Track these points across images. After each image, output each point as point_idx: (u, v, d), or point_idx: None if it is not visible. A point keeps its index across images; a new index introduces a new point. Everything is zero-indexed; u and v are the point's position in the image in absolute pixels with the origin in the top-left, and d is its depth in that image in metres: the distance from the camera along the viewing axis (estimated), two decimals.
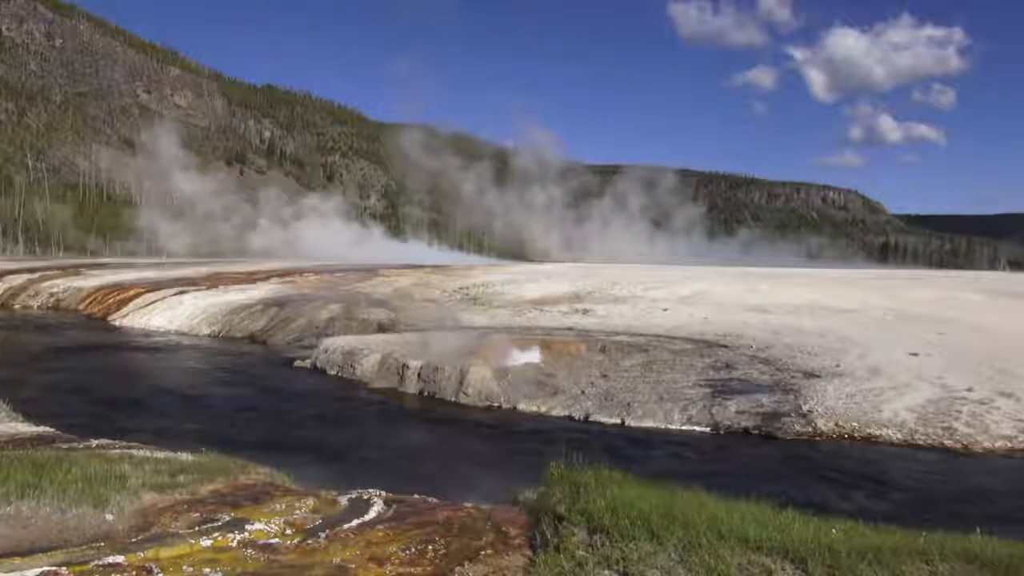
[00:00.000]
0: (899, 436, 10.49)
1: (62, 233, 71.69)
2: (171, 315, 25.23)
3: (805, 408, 11.42)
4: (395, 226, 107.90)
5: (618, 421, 11.76)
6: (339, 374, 15.61)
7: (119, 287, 31.38)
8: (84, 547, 4.49)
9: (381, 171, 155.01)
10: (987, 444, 10.14)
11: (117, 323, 25.86)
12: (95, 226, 75.57)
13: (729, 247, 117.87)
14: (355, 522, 5.20)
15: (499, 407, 12.91)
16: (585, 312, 22.11)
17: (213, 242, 74.02)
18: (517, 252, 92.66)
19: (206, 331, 23.22)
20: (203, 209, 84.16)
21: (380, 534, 4.95)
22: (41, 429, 9.22)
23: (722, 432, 11.17)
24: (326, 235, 78.86)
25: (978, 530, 5.13)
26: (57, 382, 15.03)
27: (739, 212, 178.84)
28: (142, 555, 4.30)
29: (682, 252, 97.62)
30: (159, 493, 5.56)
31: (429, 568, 4.39)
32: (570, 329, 19.11)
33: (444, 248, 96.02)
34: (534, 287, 28.30)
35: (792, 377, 13.22)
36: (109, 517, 4.95)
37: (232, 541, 4.67)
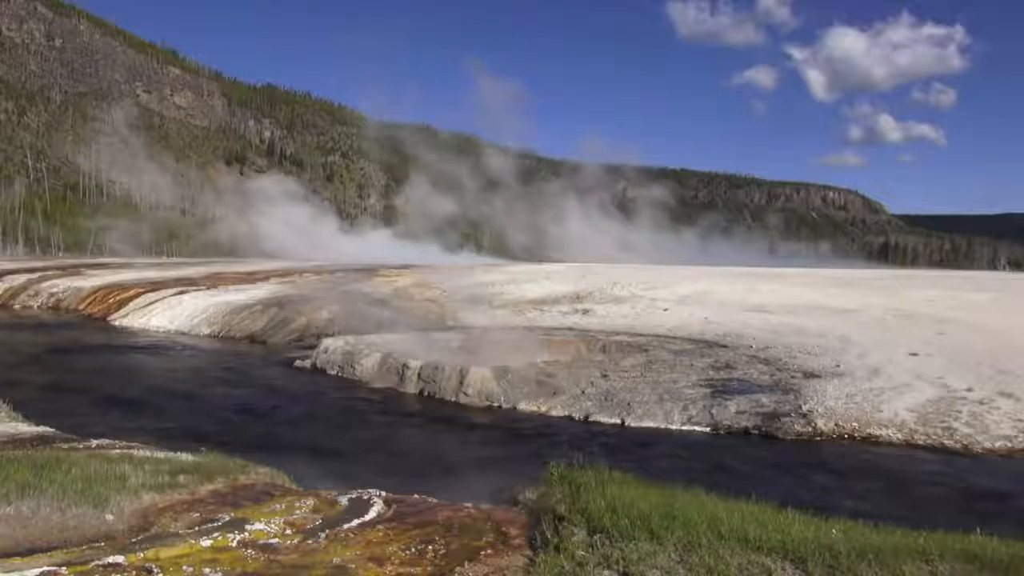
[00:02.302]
0: (899, 436, 10.48)
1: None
2: (171, 315, 25.22)
3: (805, 408, 11.41)
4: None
5: (618, 421, 11.76)
6: (339, 374, 15.61)
7: (119, 287, 31.38)
8: (84, 547, 4.49)
9: (381, 171, 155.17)
10: (987, 444, 10.14)
11: (117, 323, 25.85)
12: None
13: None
14: (355, 522, 5.20)
15: (499, 407, 12.91)
16: (585, 312, 22.11)
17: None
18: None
19: (206, 331, 23.21)
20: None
21: (380, 534, 4.95)
22: (41, 429, 9.22)
23: (722, 432, 11.17)
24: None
25: (978, 530, 5.13)
26: (57, 382, 15.03)
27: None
28: (142, 555, 4.31)
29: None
30: (159, 493, 5.57)
31: (429, 568, 4.39)
32: (570, 329, 19.11)
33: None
34: (534, 287, 28.29)
35: (792, 377, 13.21)
36: (109, 517, 4.96)
37: (232, 541, 4.67)
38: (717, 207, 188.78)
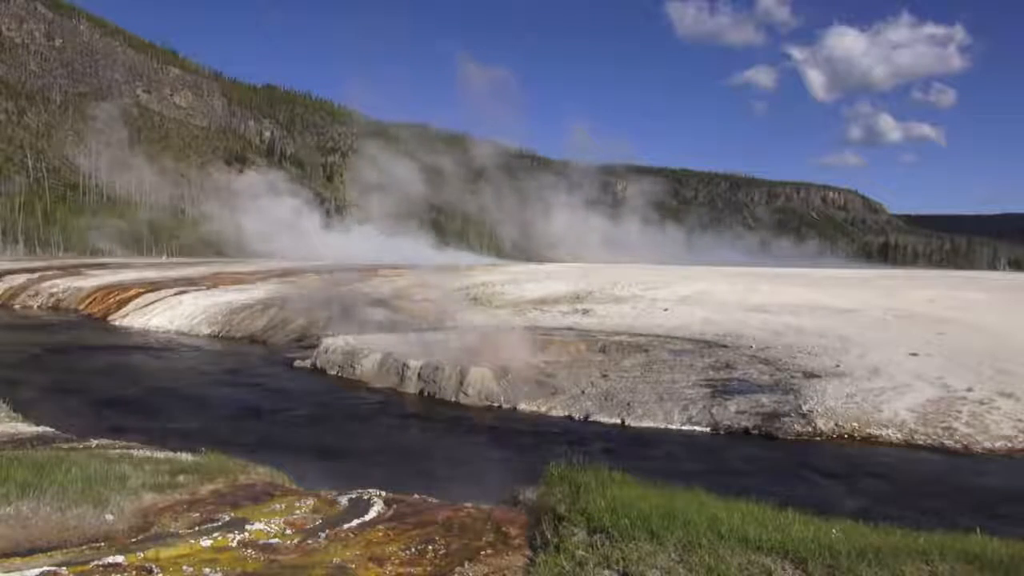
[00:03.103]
0: (899, 436, 10.48)
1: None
2: (171, 315, 25.22)
3: (805, 408, 11.41)
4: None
5: (618, 421, 11.76)
6: (339, 374, 15.60)
7: (119, 287, 31.38)
8: (84, 547, 4.49)
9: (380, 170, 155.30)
10: (987, 444, 10.13)
11: (117, 323, 25.85)
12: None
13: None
14: (355, 522, 5.20)
15: (499, 407, 12.91)
16: (585, 312, 22.10)
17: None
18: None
19: (206, 331, 23.21)
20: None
21: (380, 534, 4.95)
22: (41, 429, 9.22)
23: (722, 432, 11.17)
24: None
25: (978, 530, 5.13)
26: (57, 382, 15.02)
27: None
28: (142, 555, 4.30)
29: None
30: (159, 493, 5.57)
31: (429, 568, 4.38)
32: (570, 329, 19.10)
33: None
34: (534, 287, 28.31)
35: (792, 377, 13.21)
36: (109, 517, 4.96)
37: (232, 541, 4.67)
38: (717, 207, 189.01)
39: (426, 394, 13.82)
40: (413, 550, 4.65)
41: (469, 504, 5.85)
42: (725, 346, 16.10)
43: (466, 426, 12.06)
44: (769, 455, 10.16)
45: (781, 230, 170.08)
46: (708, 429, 11.30)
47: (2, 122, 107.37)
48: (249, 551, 4.52)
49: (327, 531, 4.97)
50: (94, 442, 8.31)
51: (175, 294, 28.13)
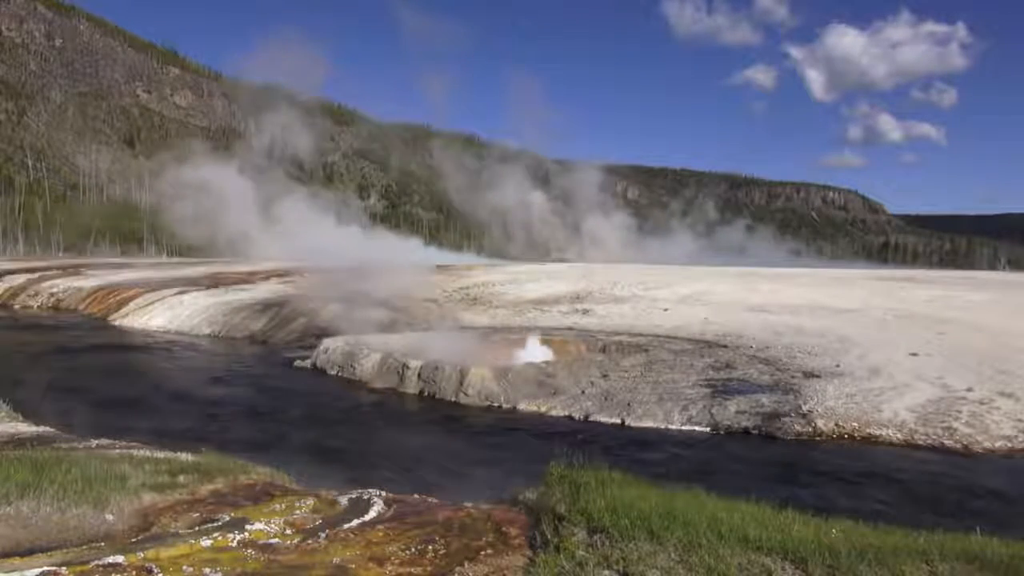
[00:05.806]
0: (899, 436, 10.49)
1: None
2: (171, 315, 25.23)
3: (805, 408, 11.41)
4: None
5: (618, 421, 11.76)
6: (339, 374, 15.61)
7: (119, 287, 31.39)
8: (84, 547, 4.49)
9: (381, 171, 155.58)
10: (987, 444, 10.14)
11: (117, 323, 25.85)
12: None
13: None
14: (355, 522, 5.19)
15: (499, 407, 12.91)
16: (585, 312, 22.11)
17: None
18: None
19: (206, 331, 23.22)
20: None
21: (380, 534, 4.95)
22: (41, 429, 9.22)
23: (722, 432, 11.17)
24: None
25: (978, 530, 5.13)
26: (57, 382, 15.02)
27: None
28: (142, 555, 4.30)
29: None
30: (159, 493, 5.56)
31: (429, 568, 4.38)
32: (570, 329, 19.10)
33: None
34: (534, 287, 28.31)
35: (792, 377, 13.21)
36: (109, 517, 4.96)
37: (232, 541, 4.66)
38: (718, 206, 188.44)
39: (426, 394, 13.83)
40: (413, 550, 4.65)
41: (469, 504, 5.85)
42: (725, 346, 16.10)
43: (466, 426, 12.06)
44: (769, 455, 10.16)
45: (787, 231, 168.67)
46: (708, 429, 11.30)
47: (2, 122, 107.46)
48: (249, 551, 4.52)
49: (327, 531, 4.96)
50: (94, 442, 8.31)
51: (175, 294, 28.14)
